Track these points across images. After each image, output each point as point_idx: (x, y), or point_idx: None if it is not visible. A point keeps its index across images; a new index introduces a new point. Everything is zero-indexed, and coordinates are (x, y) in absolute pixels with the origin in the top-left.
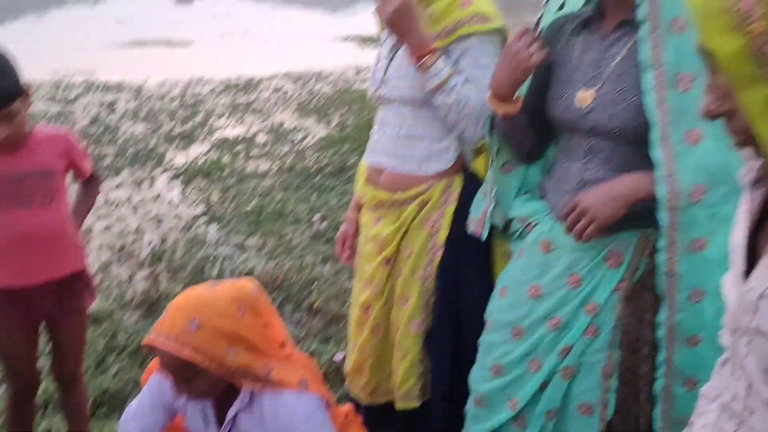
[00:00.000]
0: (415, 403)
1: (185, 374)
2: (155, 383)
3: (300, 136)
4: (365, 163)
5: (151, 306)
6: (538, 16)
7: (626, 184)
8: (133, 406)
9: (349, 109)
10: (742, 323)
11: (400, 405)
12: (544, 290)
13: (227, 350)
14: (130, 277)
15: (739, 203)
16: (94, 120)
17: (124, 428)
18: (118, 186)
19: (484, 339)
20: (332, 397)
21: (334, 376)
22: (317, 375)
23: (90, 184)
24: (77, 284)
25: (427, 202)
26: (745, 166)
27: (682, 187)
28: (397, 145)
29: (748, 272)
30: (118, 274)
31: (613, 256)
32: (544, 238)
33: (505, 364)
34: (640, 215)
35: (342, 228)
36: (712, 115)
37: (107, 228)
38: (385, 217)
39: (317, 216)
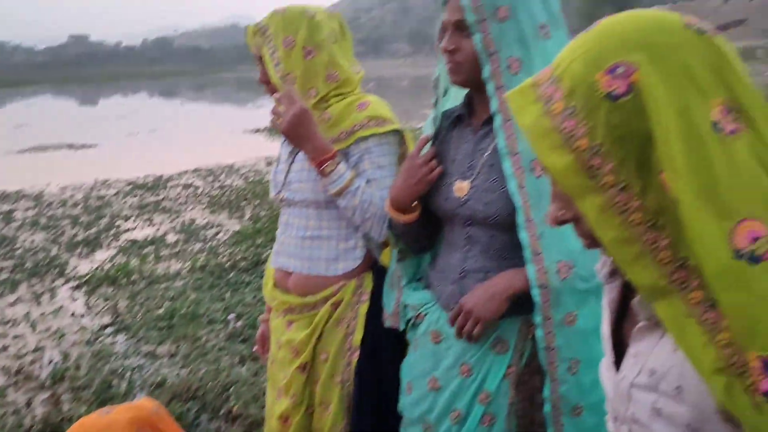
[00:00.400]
0: None
1: None
2: None
3: (212, 232)
4: (271, 266)
5: None
6: (430, 117)
7: (502, 282)
8: None
9: (261, 202)
10: (620, 412)
11: None
12: (441, 382)
13: None
14: (29, 402)
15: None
16: None
17: None
18: (14, 302)
19: None
20: None
21: None
22: None
23: None
24: None
25: (339, 303)
26: (601, 260)
27: (548, 264)
28: (303, 247)
29: (618, 361)
30: (15, 399)
31: (498, 343)
32: (433, 328)
33: None
34: (520, 302)
35: (260, 329)
36: (558, 222)
37: (2, 349)
38: (297, 321)
39: (232, 315)
